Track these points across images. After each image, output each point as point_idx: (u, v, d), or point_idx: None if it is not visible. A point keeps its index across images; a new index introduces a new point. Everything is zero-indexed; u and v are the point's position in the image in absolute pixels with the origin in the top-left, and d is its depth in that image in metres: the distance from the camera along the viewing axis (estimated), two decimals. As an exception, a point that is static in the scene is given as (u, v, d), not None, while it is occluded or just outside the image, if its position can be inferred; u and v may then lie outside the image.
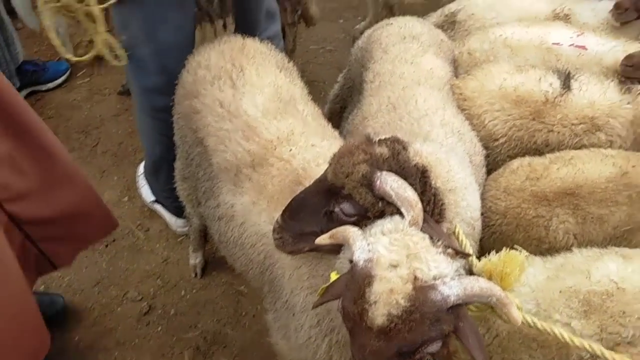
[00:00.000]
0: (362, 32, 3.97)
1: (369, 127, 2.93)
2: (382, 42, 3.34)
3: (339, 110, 3.87)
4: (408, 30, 3.34)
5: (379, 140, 2.09)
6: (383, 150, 2.01)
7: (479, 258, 1.96)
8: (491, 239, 2.76)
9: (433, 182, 2.03)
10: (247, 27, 3.52)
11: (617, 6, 3.53)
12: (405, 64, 3.10)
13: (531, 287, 2.13)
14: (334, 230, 1.83)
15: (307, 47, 5.93)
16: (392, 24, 3.47)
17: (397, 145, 2.06)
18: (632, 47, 3.24)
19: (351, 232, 1.78)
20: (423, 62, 3.14)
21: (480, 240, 2.44)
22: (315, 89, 4.59)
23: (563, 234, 2.61)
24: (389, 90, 2.99)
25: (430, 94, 2.91)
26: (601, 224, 2.60)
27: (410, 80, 2.99)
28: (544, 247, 2.63)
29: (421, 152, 2.08)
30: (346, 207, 1.94)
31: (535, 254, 2.38)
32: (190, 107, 2.81)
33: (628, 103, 2.92)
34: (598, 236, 2.62)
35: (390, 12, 4.48)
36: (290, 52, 4.78)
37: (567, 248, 2.54)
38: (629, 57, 3.13)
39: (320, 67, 5.74)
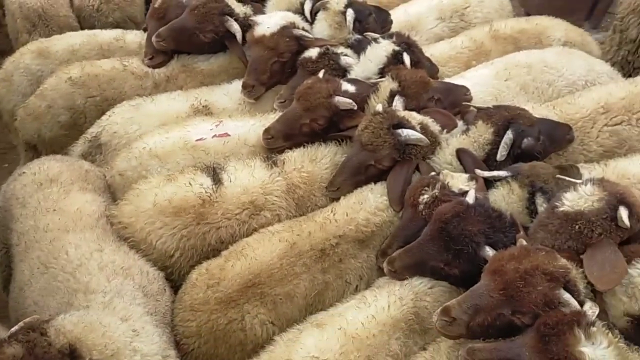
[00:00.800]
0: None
1: (28, 299, 2.55)
2: (19, 196, 2.99)
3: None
4: (44, 175, 3.05)
5: (9, 337, 1.77)
6: (16, 351, 1.70)
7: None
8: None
9: (88, 358, 1.78)
10: None
11: (244, 86, 3.75)
12: (48, 214, 2.80)
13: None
14: None
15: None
16: (24, 172, 3.13)
17: (32, 335, 1.76)
18: (270, 119, 3.44)
19: None
20: (68, 204, 2.87)
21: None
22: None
23: (260, 327, 2.57)
24: (37, 249, 2.66)
25: (82, 238, 2.66)
26: (291, 301, 2.63)
27: (57, 230, 2.70)
28: (249, 349, 2.55)
29: (64, 328, 1.82)
30: None
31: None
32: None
33: (279, 175, 3.05)
34: (294, 313, 2.64)
35: (36, 151, 4.12)
36: None
37: (270, 339, 2.49)
38: (266, 131, 3.32)
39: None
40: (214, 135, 3.35)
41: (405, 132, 2.93)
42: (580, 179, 2.88)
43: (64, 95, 3.86)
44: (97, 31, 4.60)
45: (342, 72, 3.70)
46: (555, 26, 4.31)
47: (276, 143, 3.29)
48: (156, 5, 4.19)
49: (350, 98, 3.27)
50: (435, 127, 3.09)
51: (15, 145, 4.62)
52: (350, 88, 3.38)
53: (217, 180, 2.95)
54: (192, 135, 3.33)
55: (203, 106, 3.75)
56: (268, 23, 3.78)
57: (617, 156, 3.21)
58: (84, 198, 2.95)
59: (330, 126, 3.32)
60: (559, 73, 3.73)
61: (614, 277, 2.21)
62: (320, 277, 2.70)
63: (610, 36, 4.73)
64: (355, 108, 3.28)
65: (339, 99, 3.25)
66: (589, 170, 3.00)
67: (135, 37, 4.45)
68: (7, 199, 3.05)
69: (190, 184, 2.91)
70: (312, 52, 3.70)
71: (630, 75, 4.58)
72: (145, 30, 4.33)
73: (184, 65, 4.09)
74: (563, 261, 2.22)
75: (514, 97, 3.67)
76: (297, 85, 3.47)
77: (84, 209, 2.86)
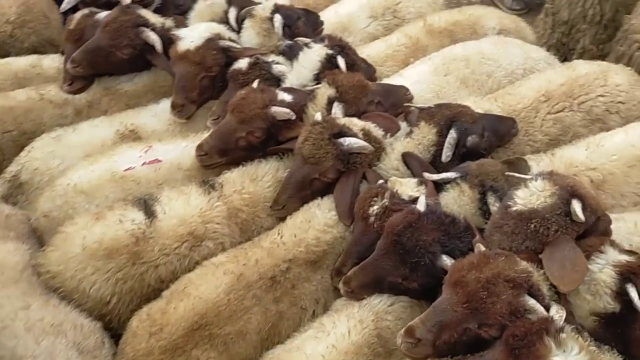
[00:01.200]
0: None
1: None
2: None
3: None
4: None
5: None
6: None
7: None
8: None
9: None
10: None
11: (173, 106, 3.51)
12: (-36, 272, 2.49)
13: None
14: None
15: None
16: None
17: None
18: (202, 137, 3.22)
19: None
20: (-14, 258, 2.58)
21: None
22: None
23: (210, 373, 2.36)
24: (-46, 313, 2.35)
25: (5, 295, 2.39)
26: (244, 339, 2.44)
27: (-24, 290, 2.41)
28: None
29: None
30: None
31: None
32: None
33: (218, 199, 2.85)
34: (248, 351, 2.45)
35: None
36: None
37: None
38: (199, 147, 3.10)
39: None
40: (144, 163, 3.11)
41: (347, 141, 2.78)
42: (528, 171, 2.82)
43: (-23, 133, 3.52)
44: (10, 59, 4.21)
45: (276, 81, 3.51)
46: (488, 15, 4.26)
47: (211, 160, 3.08)
48: (71, 27, 3.89)
49: (287, 107, 3.09)
50: (378, 132, 2.96)
51: None
52: (287, 97, 3.20)
53: (150, 213, 2.72)
54: (119, 165, 3.07)
55: (130, 131, 3.49)
56: (191, 36, 3.54)
57: (563, 144, 3.16)
58: (5, 248, 2.67)
59: (268, 138, 3.13)
60: (497, 64, 3.67)
61: (576, 277, 2.12)
62: (273, 308, 2.52)
63: (542, 19, 4.73)
64: (294, 118, 3.11)
65: (275, 109, 3.06)
66: (536, 162, 2.94)
67: (52, 62, 4.12)
68: None
69: (120, 221, 2.67)
70: (242, 63, 3.50)
71: (566, 58, 4.60)
72: (62, 53, 4.02)
73: (106, 88, 3.81)
74: (524, 264, 2.12)
75: (455, 92, 3.58)
76: (230, 99, 3.27)
77: (5, 261, 2.58)
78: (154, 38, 3.62)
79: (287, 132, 3.12)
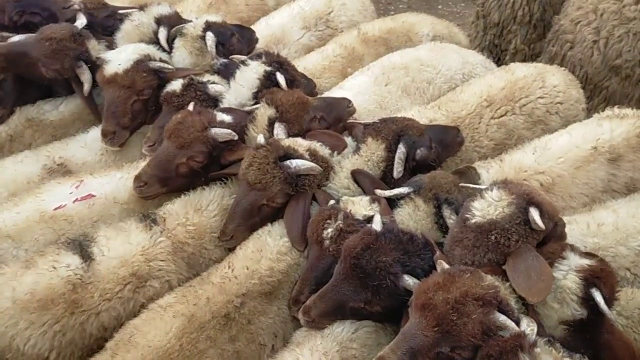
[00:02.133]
0: None
1: None
2: None
3: None
4: None
5: None
6: None
7: None
8: None
9: None
10: None
11: (104, 134, 3.28)
12: None
13: None
14: None
15: None
16: None
17: None
18: (140, 168, 3.00)
19: None
20: None
21: None
22: None
23: None
24: None
25: None
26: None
27: None
28: None
29: None
30: None
31: None
32: None
33: (161, 234, 2.66)
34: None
35: None
36: None
37: None
38: (137, 178, 2.90)
39: None
40: (76, 199, 2.87)
41: (294, 163, 2.65)
42: (479, 179, 2.79)
43: None
44: None
45: (213, 101, 3.34)
46: (421, 22, 4.27)
47: (150, 190, 2.88)
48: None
49: (228, 128, 2.94)
50: (324, 151, 2.85)
51: None
52: (227, 118, 3.04)
53: (86, 256, 2.50)
54: (48, 204, 2.82)
55: (58, 165, 3.23)
56: (118, 59, 3.33)
57: (508, 147, 3.17)
58: None
59: (210, 163, 2.96)
60: (436, 70, 3.65)
61: (544, 286, 2.08)
62: (229, 348, 2.35)
63: (474, 22, 4.79)
64: (236, 138, 2.96)
65: (216, 131, 2.90)
66: (486, 169, 2.91)
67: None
68: None
69: (54, 267, 2.44)
70: (176, 85, 3.32)
71: (499, 59, 4.69)
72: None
73: (29, 119, 3.53)
74: (490, 279, 2.05)
75: (397, 101, 3.55)
76: (165, 123, 3.07)
77: None
78: (86, 78, 3.39)
79: (229, 155, 2.97)
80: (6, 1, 3.75)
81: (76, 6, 3.87)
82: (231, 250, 2.69)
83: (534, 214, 2.22)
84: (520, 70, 3.44)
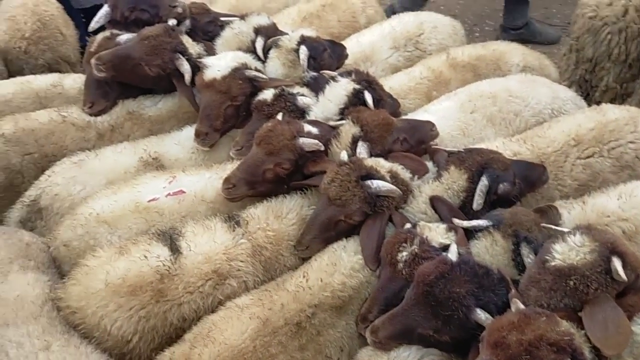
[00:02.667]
0: None
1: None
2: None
3: None
4: (-25, 254, 2.68)
5: None
6: None
7: None
8: None
9: None
10: None
11: (197, 134, 3.47)
12: (-18, 306, 2.43)
13: None
14: None
15: None
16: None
17: None
18: (227, 170, 3.16)
19: None
20: (6, 290, 2.53)
21: None
22: None
23: None
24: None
25: (25, 333, 2.32)
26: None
27: (-6, 328, 2.35)
28: None
29: None
30: None
31: None
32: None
33: (242, 236, 2.80)
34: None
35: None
36: None
37: None
38: (227, 180, 3.01)
39: None
40: (168, 194, 3.05)
41: (375, 184, 2.72)
42: (560, 219, 2.77)
43: (-3, 154, 3.46)
44: (31, 77, 4.16)
45: (301, 113, 3.47)
46: (512, 51, 4.23)
47: (237, 192, 3.02)
48: (92, 49, 3.86)
49: (314, 139, 3.05)
50: (405, 174, 2.90)
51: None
52: (313, 130, 3.16)
53: (174, 249, 2.67)
54: (143, 196, 3.02)
55: (153, 158, 3.44)
56: (218, 65, 3.51)
57: (592, 189, 3.11)
58: (25, 279, 2.61)
59: (294, 171, 3.09)
60: (525, 102, 3.62)
61: (621, 340, 2.06)
62: (298, 356, 2.45)
63: (566, 56, 4.70)
64: (322, 148, 3.07)
65: (304, 140, 3.02)
66: (567, 210, 2.88)
67: (74, 83, 4.08)
68: None
69: (145, 256, 2.61)
70: (267, 94, 3.47)
71: (588, 94, 4.58)
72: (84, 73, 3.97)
73: (130, 112, 3.77)
74: (565, 325, 2.05)
75: (482, 130, 3.54)
76: (254, 130, 3.22)
77: (25, 294, 2.52)
78: (186, 68, 3.59)
79: (312, 166, 3.08)
80: (119, -2, 4.03)
81: (179, 9, 4.12)
82: (305, 259, 2.79)
83: (617, 264, 2.19)
84: (612, 112, 3.37)
